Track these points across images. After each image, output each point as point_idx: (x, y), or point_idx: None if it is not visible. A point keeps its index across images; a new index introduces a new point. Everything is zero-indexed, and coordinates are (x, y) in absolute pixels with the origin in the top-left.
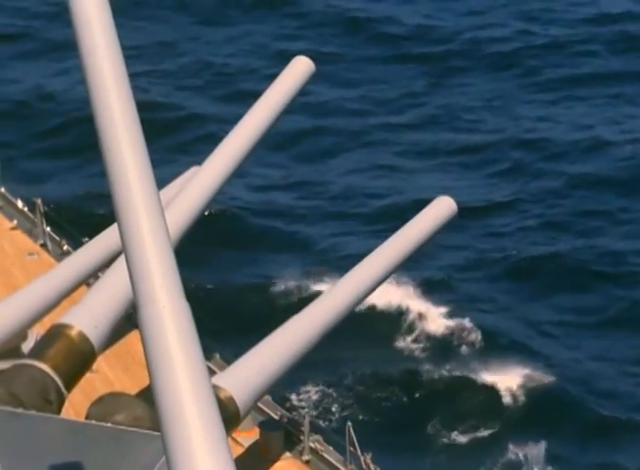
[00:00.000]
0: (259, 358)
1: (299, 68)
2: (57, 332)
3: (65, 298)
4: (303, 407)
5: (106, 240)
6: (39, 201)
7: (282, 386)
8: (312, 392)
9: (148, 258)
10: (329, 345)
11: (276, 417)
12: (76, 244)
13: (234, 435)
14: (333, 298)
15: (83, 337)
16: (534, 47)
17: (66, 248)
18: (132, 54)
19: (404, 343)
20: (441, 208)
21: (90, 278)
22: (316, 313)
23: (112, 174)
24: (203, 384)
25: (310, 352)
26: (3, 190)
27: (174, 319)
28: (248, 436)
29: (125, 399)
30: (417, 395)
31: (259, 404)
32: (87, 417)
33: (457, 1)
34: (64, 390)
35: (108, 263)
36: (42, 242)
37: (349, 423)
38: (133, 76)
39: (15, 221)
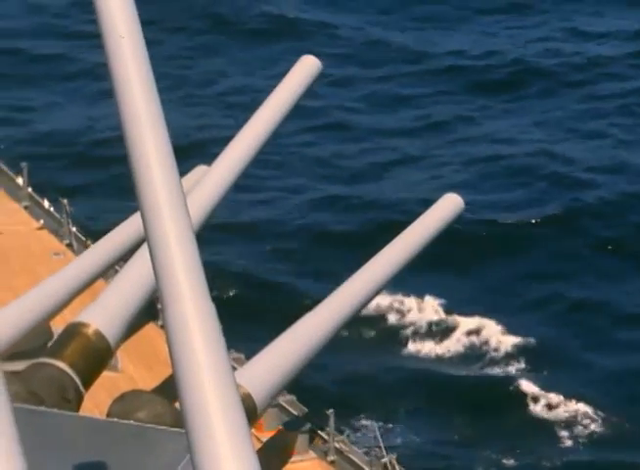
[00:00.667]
0: (275, 355)
1: (307, 66)
2: (73, 330)
3: (82, 291)
4: (329, 408)
5: (122, 234)
6: (65, 201)
7: (307, 386)
8: (339, 392)
9: (173, 259)
10: (366, 349)
11: (301, 417)
12: None
13: (258, 434)
14: (344, 295)
15: (100, 335)
16: (579, 63)
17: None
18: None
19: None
20: (449, 205)
21: (108, 271)
22: (329, 310)
23: (137, 178)
24: (227, 384)
25: (325, 348)
26: (30, 190)
27: (199, 319)
28: (272, 435)
29: (147, 397)
30: (449, 401)
31: (284, 404)
32: (109, 415)
33: (500, 20)
34: (82, 388)
35: (125, 256)
36: (68, 242)
37: (375, 424)
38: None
39: (41, 221)
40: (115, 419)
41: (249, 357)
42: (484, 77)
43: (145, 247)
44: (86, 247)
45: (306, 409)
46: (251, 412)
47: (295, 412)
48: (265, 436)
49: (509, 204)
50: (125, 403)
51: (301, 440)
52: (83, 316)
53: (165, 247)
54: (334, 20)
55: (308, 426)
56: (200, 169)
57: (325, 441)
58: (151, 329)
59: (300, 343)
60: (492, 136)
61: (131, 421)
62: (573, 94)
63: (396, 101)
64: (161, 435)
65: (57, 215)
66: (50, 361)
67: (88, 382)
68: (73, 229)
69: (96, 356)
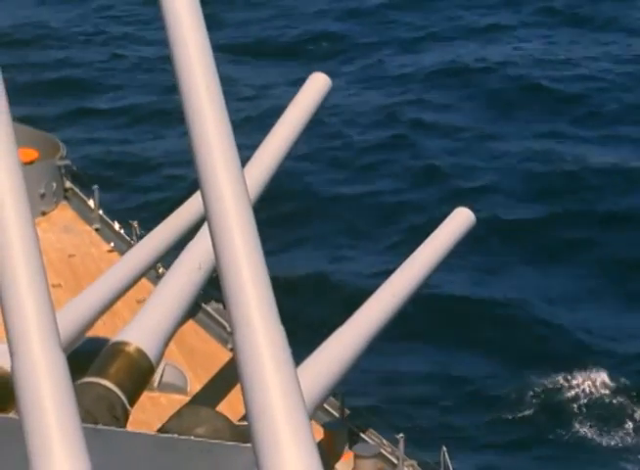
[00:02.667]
0: (315, 368)
1: (317, 84)
2: (115, 349)
3: (129, 289)
4: (399, 431)
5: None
6: (135, 223)
7: (378, 410)
8: (408, 414)
9: (243, 282)
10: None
11: (371, 441)
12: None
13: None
14: (365, 316)
15: (141, 353)
16: None
17: (161, 271)
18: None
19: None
20: (460, 219)
21: (150, 269)
22: (351, 332)
23: (206, 197)
24: (297, 409)
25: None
26: (101, 212)
27: (269, 343)
28: (343, 460)
29: (205, 413)
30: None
31: (353, 428)
32: (166, 432)
33: None
34: (128, 406)
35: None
36: None
37: (444, 448)
38: None
39: (112, 244)
40: (176, 435)
41: None
42: None
43: (179, 262)
44: (156, 269)
45: (376, 432)
46: None
47: (364, 436)
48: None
49: None
50: (183, 420)
51: (371, 464)
52: (123, 335)
53: (235, 268)
54: None
55: (378, 450)
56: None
57: (394, 465)
58: (220, 352)
59: (335, 358)
60: None
61: (192, 437)
62: None
63: None
64: (228, 450)
65: (127, 238)
66: (96, 380)
67: (133, 400)
68: None
69: (139, 374)
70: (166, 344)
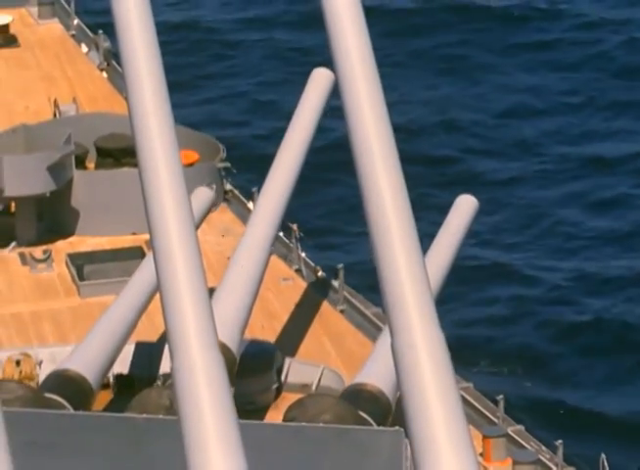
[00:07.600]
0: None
1: (321, 80)
2: None
3: None
4: (557, 438)
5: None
6: (295, 226)
7: (537, 414)
8: (568, 420)
9: (402, 287)
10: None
11: (529, 447)
12: (330, 270)
13: (486, 463)
14: None
15: (226, 348)
16: None
17: (320, 274)
18: None
19: None
20: (465, 206)
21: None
22: None
23: (367, 198)
24: (456, 412)
25: None
26: None
27: (429, 349)
28: (501, 466)
29: (327, 400)
30: None
31: (512, 434)
32: (291, 421)
33: None
34: None
35: None
36: (297, 267)
37: (603, 455)
38: None
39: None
40: (304, 423)
41: None
42: None
43: (239, 253)
44: (315, 273)
45: (535, 440)
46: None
47: (523, 442)
48: (493, 465)
49: None
50: (307, 408)
51: None
52: None
53: (395, 272)
54: None
55: (537, 457)
56: (202, 190)
57: None
58: None
59: None
60: None
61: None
62: None
63: None
64: (364, 435)
65: (286, 241)
66: None
67: None
68: (303, 255)
69: (228, 368)
70: (243, 332)
